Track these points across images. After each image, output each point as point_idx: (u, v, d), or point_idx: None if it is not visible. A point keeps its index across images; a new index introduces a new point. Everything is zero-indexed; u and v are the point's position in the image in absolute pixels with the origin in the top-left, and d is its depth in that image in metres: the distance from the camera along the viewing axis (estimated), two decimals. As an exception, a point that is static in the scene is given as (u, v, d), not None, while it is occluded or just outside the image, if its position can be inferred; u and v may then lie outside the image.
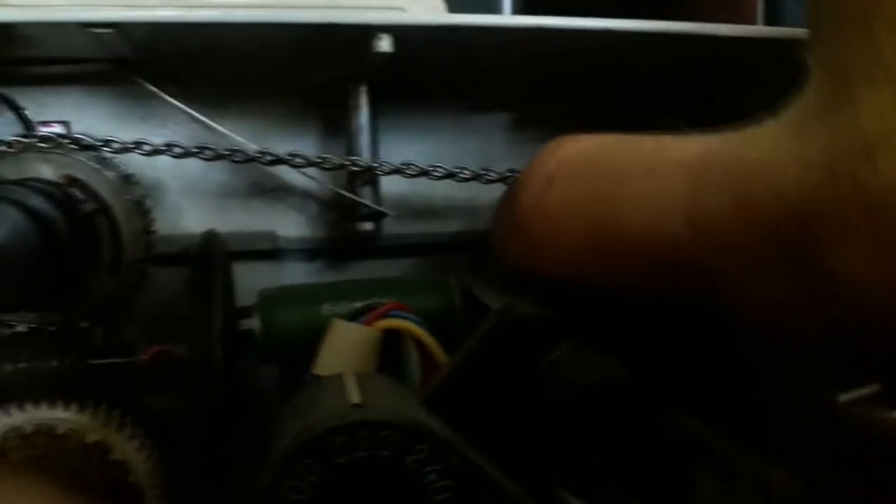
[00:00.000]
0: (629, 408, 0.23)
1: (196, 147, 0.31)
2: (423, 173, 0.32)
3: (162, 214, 0.34)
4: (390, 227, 0.36)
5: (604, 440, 0.24)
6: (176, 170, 0.34)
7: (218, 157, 0.31)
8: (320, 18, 0.27)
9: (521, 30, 0.28)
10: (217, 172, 0.35)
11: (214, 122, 0.33)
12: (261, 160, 0.31)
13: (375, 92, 0.33)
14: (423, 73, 0.34)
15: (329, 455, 0.20)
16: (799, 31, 0.30)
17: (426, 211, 0.37)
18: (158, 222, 0.33)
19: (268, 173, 0.35)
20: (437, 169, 0.32)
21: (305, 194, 0.36)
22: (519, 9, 0.76)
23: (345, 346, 0.27)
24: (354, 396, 0.21)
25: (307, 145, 0.35)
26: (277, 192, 0.35)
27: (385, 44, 0.27)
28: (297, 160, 0.31)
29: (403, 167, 0.32)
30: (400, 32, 0.28)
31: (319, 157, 0.31)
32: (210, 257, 0.28)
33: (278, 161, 0.31)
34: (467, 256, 0.37)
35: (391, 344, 0.28)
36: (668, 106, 0.38)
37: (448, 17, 0.29)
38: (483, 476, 0.21)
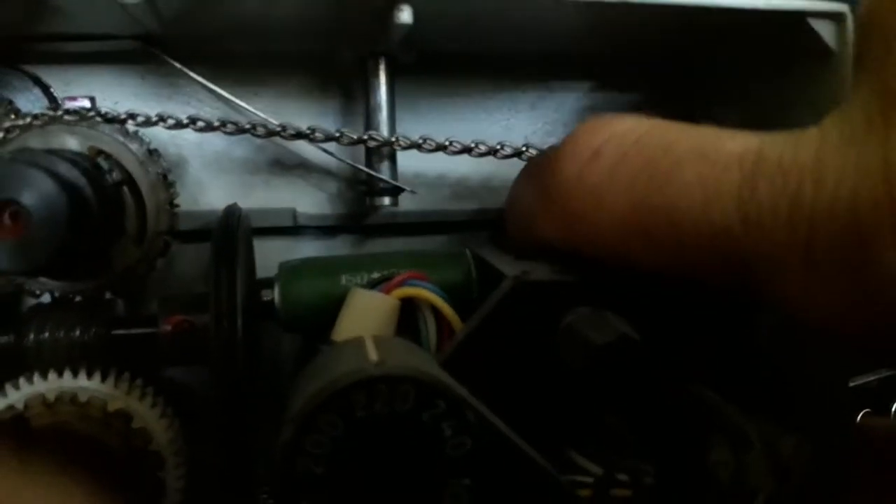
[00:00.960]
0: (644, 370, 0.23)
1: (218, 121, 0.31)
2: (440, 148, 0.32)
3: (184, 191, 0.34)
4: (409, 204, 0.36)
5: (618, 403, 0.24)
6: (198, 148, 0.35)
7: (240, 131, 0.31)
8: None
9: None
10: (238, 149, 0.35)
11: (237, 100, 0.34)
12: (282, 134, 0.32)
13: (394, 70, 0.34)
14: (440, 51, 0.35)
15: (349, 410, 0.20)
16: (809, 4, 0.30)
17: (443, 188, 0.38)
18: (180, 199, 0.33)
19: (288, 150, 0.36)
20: (454, 144, 0.32)
21: (325, 172, 0.36)
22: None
23: (363, 314, 0.27)
24: (373, 355, 0.22)
25: (328, 124, 0.35)
26: (297, 169, 0.36)
27: (406, 15, 0.28)
28: (317, 134, 0.32)
29: (420, 142, 0.32)
30: (419, 2, 0.28)
31: (338, 132, 0.32)
32: (233, 228, 0.28)
33: (298, 135, 0.32)
34: (486, 233, 0.37)
35: (408, 314, 0.28)
36: (688, 86, 0.38)
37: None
38: (498, 433, 0.21)
